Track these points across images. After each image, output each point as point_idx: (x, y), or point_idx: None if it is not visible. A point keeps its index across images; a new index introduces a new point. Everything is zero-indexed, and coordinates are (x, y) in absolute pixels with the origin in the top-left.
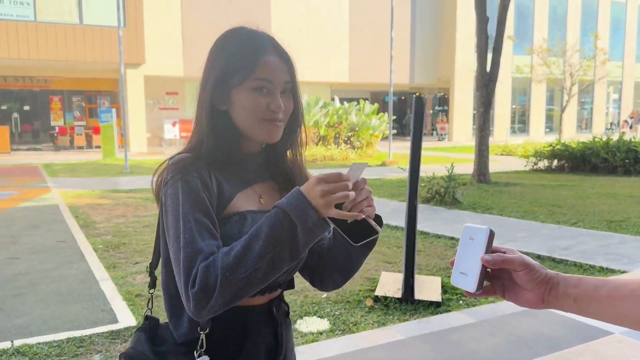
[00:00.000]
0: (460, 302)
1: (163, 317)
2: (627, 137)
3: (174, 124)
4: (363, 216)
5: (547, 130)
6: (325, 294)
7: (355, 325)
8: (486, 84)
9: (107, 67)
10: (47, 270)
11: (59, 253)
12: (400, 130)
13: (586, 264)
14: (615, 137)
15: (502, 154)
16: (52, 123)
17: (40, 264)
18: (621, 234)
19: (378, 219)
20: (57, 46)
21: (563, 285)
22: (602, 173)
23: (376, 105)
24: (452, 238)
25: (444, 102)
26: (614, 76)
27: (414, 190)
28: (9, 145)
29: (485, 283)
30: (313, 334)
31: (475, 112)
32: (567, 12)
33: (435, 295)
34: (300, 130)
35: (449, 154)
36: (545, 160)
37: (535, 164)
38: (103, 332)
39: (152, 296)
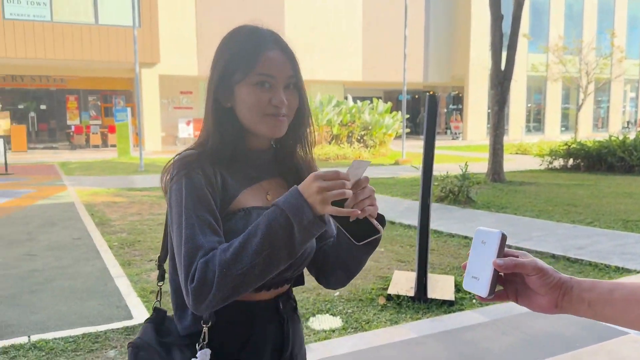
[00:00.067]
0: (474, 301)
1: (171, 310)
2: None
3: (188, 123)
4: (359, 213)
5: (563, 129)
6: (337, 292)
7: (368, 323)
8: (501, 82)
9: (122, 67)
10: (63, 267)
11: (75, 250)
12: (413, 129)
13: (601, 264)
14: (632, 136)
15: (517, 153)
16: (68, 122)
17: (57, 261)
18: (637, 233)
19: (381, 218)
20: (73, 46)
21: (577, 289)
22: (619, 172)
23: (389, 103)
24: (466, 237)
25: (458, 100)
26: (630, 74)
27: (427, 188)
28: (25, 144)
29: (498, 287)
30: (325, 331)
31: (489, 110)
32: (584, 10)
33: (449, 294)
34: (307, 125)
35: (463, 152)
36: (560, 159)
37: (551, 162)
38: (118, 328)
39: (160, 289)
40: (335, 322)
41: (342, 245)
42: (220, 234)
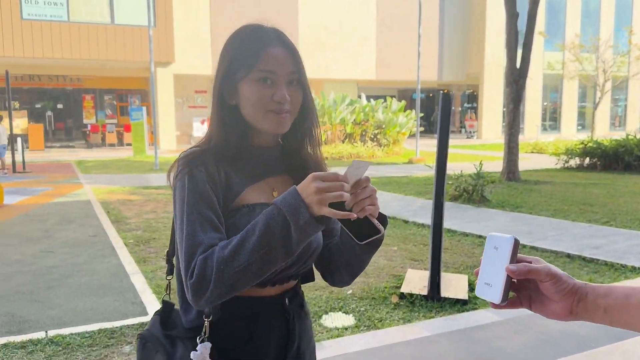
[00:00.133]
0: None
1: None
2: None
3: (202, 122)
4: (355, 216)
5: (579, 127)
6: (350, 290)
7: (381, 321)
8: (516, 80)
9: (137, 66)
10: (80, 264)
11: (91, 247)
12: (428, 127)
13: (617, 264)
14: None
15: (532, 152)
16: (85, 121)
17: (73, 258)
18: None
19: (383, 218)
20: (89, 46)
21: (592, 295)
22: (636, 171)
23: (403, 102)
24: (480, 236)
25: (473, 99)
26: None
27: (440, 187)
28: (43, 142)
29: (511, 294)
30: (338, 329)
31: (504, 109)
32: (601, 7)
33: (462, 293)
34: (313, 121)
35: (477, 151)
36: (576, 158)
37: (567, 161)
38: (133, 324)
39: (169, 283)
40: (348, 320)
41: (345, 243)
42: (221, 231)
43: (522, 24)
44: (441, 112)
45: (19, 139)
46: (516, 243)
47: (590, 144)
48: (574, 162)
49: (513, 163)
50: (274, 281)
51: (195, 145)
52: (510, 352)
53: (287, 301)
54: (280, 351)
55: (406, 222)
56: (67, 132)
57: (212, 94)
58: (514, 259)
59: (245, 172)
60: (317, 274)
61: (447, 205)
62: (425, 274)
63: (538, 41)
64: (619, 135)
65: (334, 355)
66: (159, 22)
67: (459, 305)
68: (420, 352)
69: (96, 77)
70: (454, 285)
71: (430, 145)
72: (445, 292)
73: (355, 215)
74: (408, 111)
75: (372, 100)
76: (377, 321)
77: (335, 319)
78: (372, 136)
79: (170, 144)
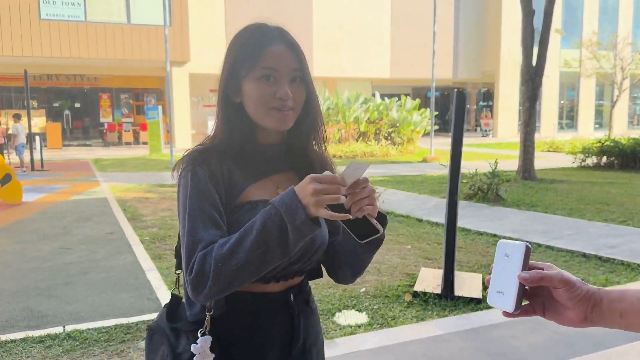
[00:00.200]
0: None
1: None
2: None
3: None
4: (351, 217)
5: (597, 126)
6: (363, 288)
7: (394, 319)
8: (532, 78)
9: (153, 65)
10: (97, 261)
11: (108, 244)
12: (442, 126)
13: (634, 263)
14: None
15: (548, 151)
16: (101, 120)
17: (91, 254)
18: None
19: (383, 218)
20: (106, 45)
21: (607, 300)
22: None
23: (418, 100)
24: (495, 235)
25: (488, 97)
26: None
27: (454, 186)
28: (60, 141)
29: (523, 302)
30: (351, 326)
31: (520, 107)
32: (619, 4)
33: (476, 292)
34: (317, 118)
35: (493, 150)
36: (593, 156)
37: (583, 160)
38: (149, 320)
39: (178, 277)
40: (361, 317)
41: (346, 242)
42: (222, 228)
43: (538, 22)
44: (455, 110)
45: (37, 138)
46: (527, 250)
47: (607, 143)
48: (591, 160)
49: (529, 162)
50: (278, 277)
51: (201, 143)
52: (524, 352)
53: (291, 297)
54: (285, 347)
55: (420, 220)
56: (84, 130)
57: (218, 92)
58: (526, 266)
59: (249, 169)
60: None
61: (462, 204)
62: (439, 273)
63: (555, 39)
64: (636, 133)
65: (347, 352)
66: (174, 22)
67: (473, 304)
68: (433, 351)
69: (113, 76)
70: (467, 284)
71: (445, 143)
72: (459, 290)
73: (350, 217)
74: (422, 109)
75: (386, 98)
76: (390, 319)
77: (348, 317)
78: (386, 135)
79: (186, 143)
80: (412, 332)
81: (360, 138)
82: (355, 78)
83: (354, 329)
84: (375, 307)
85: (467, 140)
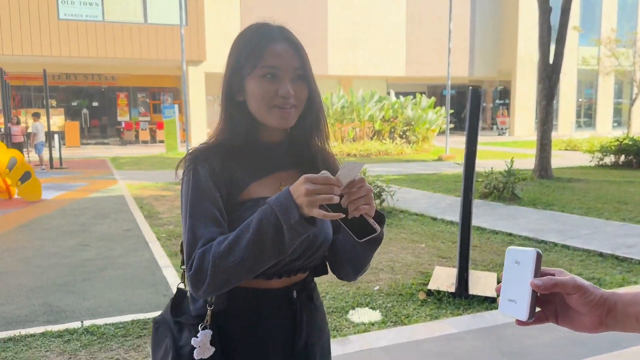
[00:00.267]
0: None
1: None
2: None
3: None
4: (343, 216)
5: (615, 124)
6: (377, 286)
7: (407, 317)
8: (549, 76)
9: (169, 65)
10: (114, 257)
11: (125, 241)
12: (458, 124)
13: None
14: None
15: (566, 149)
16: (119, 118)
17: (108, 251)
18: None
19: (381, 217)
20: (123, 45)
21: (621, 304)
22: None
23: (433, 98)
24: (510, 234)
25: (505, 95)
26: None
27: (469, 184)
28: (79, 139)
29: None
30: (365, 324)
31: (537, 105)
32: (638, 0)
33: (490, 291)
34: (319, 116)
35: (509, 148)
36: (611, 155)
37: (601, 159)
38: None
39: (184, 272)
40: (375, 315)
41: (347, 240)
42: (222, 225)
43: (555, 19)
44: (470, 108)
45: (56, 136)
46: (539, 256)
47: (625, 141)
48: (609, 159)
49: (545, 160)
50: (280, 273)
51: (205, 141)
52: (538, 351)
53: (294, 294)
54: (287, 343)
55: (435, 219)
56: (102, 129)
57: (221, 91)
58: (537, 273)
59: (252, 167)
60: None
61: (477, 203)
62: (453, 271)
63: (572, 36)
64: None
65: (360, 349)
66: (190, 21)
67: (487, 302)
68: (447, 349)
69: (130, 75)
70: (482, 283)
71: (460, 142)
72: (474, 289)
73: (342, 215)
74: (438, 108)
75: (401, 96)
76: (403, 317)
77: (361, 315)
78: (401, 133)
79: (202, 141)
80: (425, 330)
81: (375, 136)
82: (370, 76)
83: (367, 327)
84: (388, 305)
85: (483, 138)
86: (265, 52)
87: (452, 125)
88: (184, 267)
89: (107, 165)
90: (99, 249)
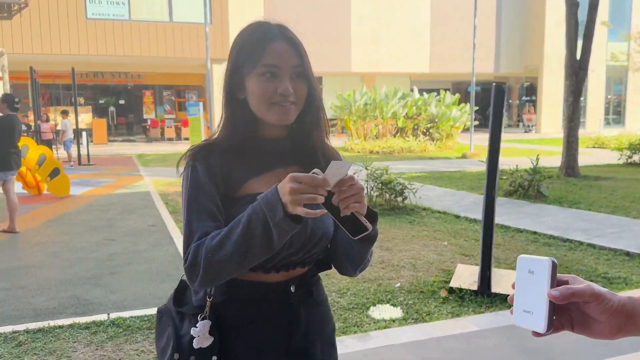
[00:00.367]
0: None
1: None
2: None
3: None
4: (320, 213)
5: None
6: (398, 283)
7: (429, 315)
8: (576, 72)
9: (194, 63)
10: (140, 252)
11: (151, 236)
12: (483, 121)
13: None
14: None
15: (594, 147)
16: (145, 116)
17: (134, 246)
18: None
19: (374, 215)
20: (149, 43)
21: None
22: None
23: (457, 95)
24: (535, 232)
25: (531, 91)
26: None
27: (492, 181)
28: (106, 136)
29: None
30: (385, 321)
31: (564, 102)
32: None
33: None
34: (319, 112)
35: (535, 146)
36: None
37: (630, 157)
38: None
39: None
40: (396, 312)
41: (344, 237)
42: (218, 219)
43: (583, 14)
44: (493, 104)
45: (83, 133)
46: (554, 265)
47: None
48: (638, 157)
49: (572, 158)
50: (278, 267)
51: (207, 138)
52: (561, 349)
53: (292, 288)
54: (285, 337)
55: (458, 217)
56: (128, 126)
57: (223, 89)
58: (554, 283)
59: (252, 163)
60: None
61: (502, 201)
62: (476, 269)
63: (601, 31)
64: None
65: (381, 345)
66: (215, 20)
67: None
68: (468, 346)
69: (155, 73)
70: (505, 281)
71: (485, 139)
72: (496, 287)
73: (320, 212)
74: (462, 104)
75: (424, 93)
76: (425, 314)
77: (382, 311)
78: (425, 130)
79: None
80: (447, 328)
81: (398, 134)
82: (394, 73)
83: (388, 323)
84: (410, 302)
85: (509, 136)
86: (264, 51)
87: (477, 123)
88: None
89: (134, 162)
90: (125, 244)
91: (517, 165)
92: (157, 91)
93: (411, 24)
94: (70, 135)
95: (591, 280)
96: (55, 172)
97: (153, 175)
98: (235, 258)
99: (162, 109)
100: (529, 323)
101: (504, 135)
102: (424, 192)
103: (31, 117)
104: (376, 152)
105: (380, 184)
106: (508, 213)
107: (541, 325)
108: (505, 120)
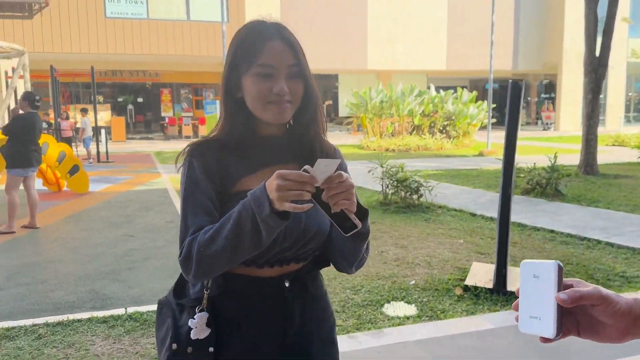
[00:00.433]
0: None
1: None
2: None
3: None
4: (309, 207)
5: None
6: (413, 281)
7: (443, 312)
8: (595, 69)
9: (211, 61)
10: (157, 248)
11: (168, 232)
12: (500, 119)
13: None
14: None
15: (613, 145)
16: (163, 114)
17: (152, 242)
18: None
19: (365, 213)
20: (167, 42)
21: None
22: None
23: (474, 93)
24: (552, 231)
25: (550, 89)
26: None
27: (508, 179)
28: (124, 134)
29: None
30: (400, 318)
31: (584, 99)
32: None
33: None
34: (316, 110)
35: (554, 144)
36: None
37: None
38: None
39: None
40: (410, 309)
41: (337, 234)
42: (213, 215)
43: (603, 10)
44: (510, 102)
45: (102, 131)
46: (560, 269)
47: None
48: None
49: (591, 156)
50: (272, 262)
51: (204, 136)
52: (576, 349)
53: (287, 283)
54: (279, 332)
55: (474, 215)
56: (147, 124)
57: (221, 87)
58: (560, 287)
59: (249, 160)
60: (384, 265)
61: (519, 199)
62: (491, 267)
63: (622, 28)
64: None
65: (395, 342)
66: (231, 18)
67: None
68: (483, 344)
69: (173, 72)
70: None
71: (502, 137)
72: (512, 286)
73: (308, 207)
74: (479, 102)
75: (441, 91)
76: (439, 312)
77: (397, 308)
78: (441, 128)
79: None
80: (461, 325)
81: (414, 131)
82: (410, 70)
83: (402, 320)
84: (424, 299)
85: (528, 133)
86: (260, 51)
87: (494, 120)
88: None
89: (152, 160)
90: (143, 240)
91: (534, 163)
92: (174, 89)
93: (428, 22)
94: (89, 132)
95: (609, 280)
96: (74, 169)
97: (170, 173)
98: (226, 253)
99: (180, 107)
100: (536, 329)
101: (522, 133)
102: (440, 190)
103: (51, 115)
104: (392, 149)
105: (395, 182)
106: (525, 211)
107: (550, 331)
108: (523, 118)
